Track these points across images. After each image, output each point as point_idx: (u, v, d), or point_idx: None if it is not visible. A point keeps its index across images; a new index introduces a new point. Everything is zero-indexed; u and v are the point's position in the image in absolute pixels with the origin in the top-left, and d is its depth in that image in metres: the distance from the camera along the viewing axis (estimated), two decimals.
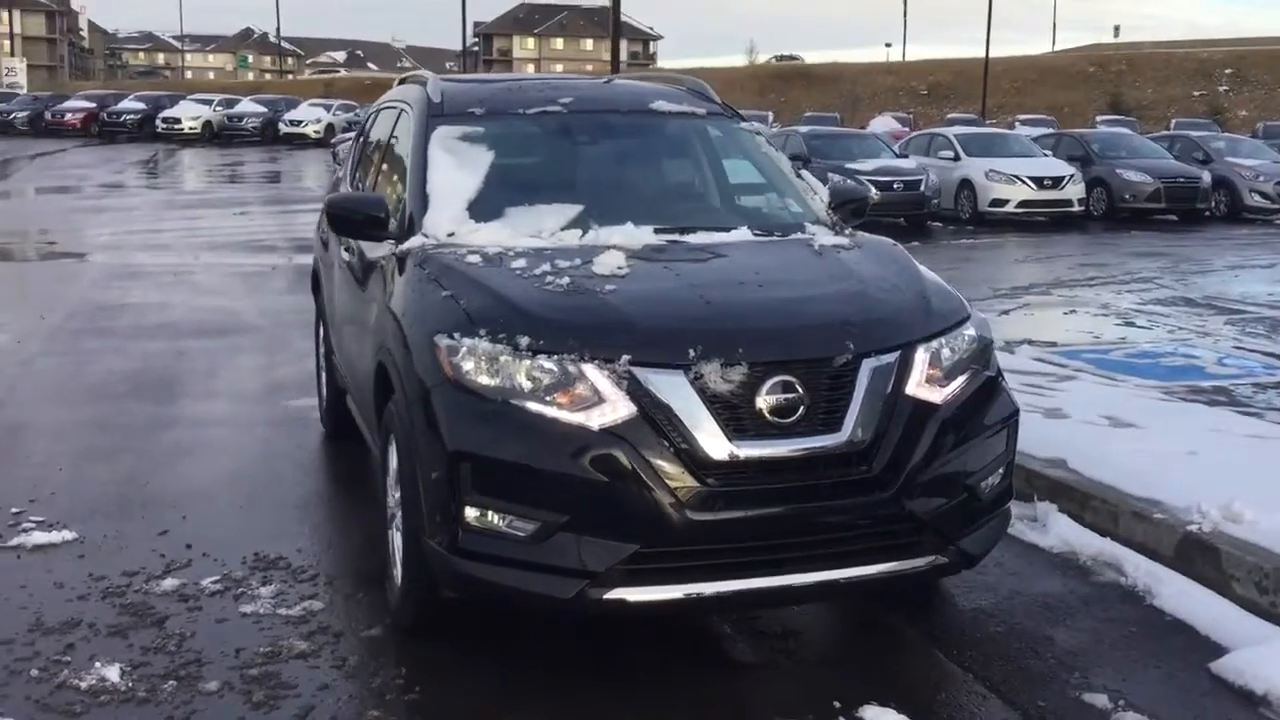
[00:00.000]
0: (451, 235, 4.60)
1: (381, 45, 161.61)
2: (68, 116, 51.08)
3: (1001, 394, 4.24)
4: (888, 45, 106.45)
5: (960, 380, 4.06)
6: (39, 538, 5.19)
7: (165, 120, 49.12)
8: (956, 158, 21.81)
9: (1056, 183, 20.99)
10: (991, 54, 50.61)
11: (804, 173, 5.50)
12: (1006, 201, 20.78)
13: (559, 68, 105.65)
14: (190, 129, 48.89)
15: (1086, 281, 13.91)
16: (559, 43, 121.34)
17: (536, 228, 4.63)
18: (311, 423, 7.17)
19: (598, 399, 3.68)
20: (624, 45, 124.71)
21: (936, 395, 3.96)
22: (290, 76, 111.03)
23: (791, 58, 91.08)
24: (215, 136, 48.71)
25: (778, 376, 3.73)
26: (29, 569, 4.89)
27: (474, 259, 4.28)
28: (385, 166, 5.69)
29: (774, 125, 42.84)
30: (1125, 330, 10.55)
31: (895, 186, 19.91)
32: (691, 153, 5.49)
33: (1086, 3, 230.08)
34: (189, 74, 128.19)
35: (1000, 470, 4.20)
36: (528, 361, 3.74)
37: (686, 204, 5.11)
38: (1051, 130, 31.27)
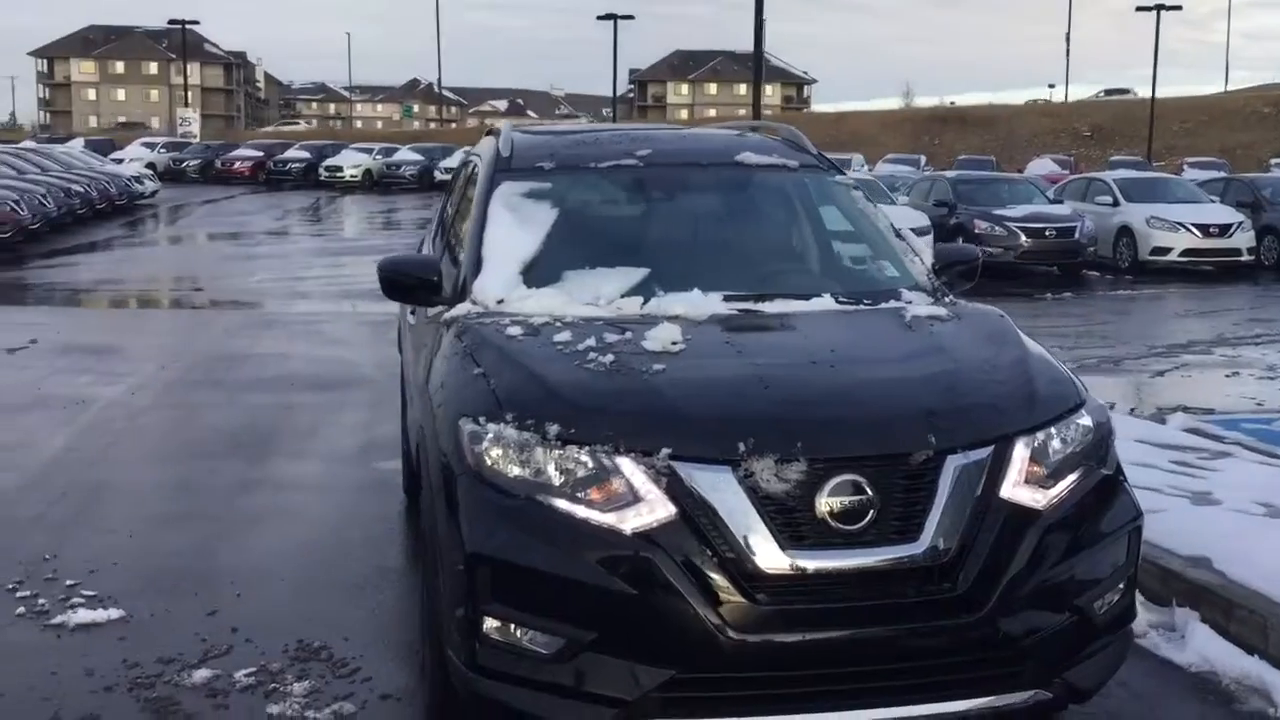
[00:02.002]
0: (501, 302, 4.19)
1: (541, 94, 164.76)
2: (236, 164, 52.94)
3: (1121, 495, 3.61)
4: (1050, 86, 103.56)
5: (1069, 480, 3.46)
6: (84, 616, 4.93)
7: (328, 168, 50.47)
8: (1115, 203, 20.72)
9: (1224, 230, 19.74)
10: (1159, 94, 48.65)
11: (905, 231, 4.93)
12: (1169, 250, 19.61)
13: (712, 113, 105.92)
14: (351, 176, 50.11)
15: (1253, 339, 12.87)
16: (713, 88, 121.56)
17: (595, 294, 4.19)
18: (396, 487, 6.85)
19: (633, 498, 3.20)
20: (777, 89, 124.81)
21: (1039, 498, 3.37)
22: (453, 125, 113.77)
23: (950, 107, 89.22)
24: (375, 184, 49.86)
25: (843, 476, 3.20)
26: (65, 652, 4.62)
27: (515, 331, 3.85)
28: (454, 225, 5.33)
29: (926, 169, 41.87)
30: None
31: (1048, 234, 18.98)
32: (777, 210, 4.99)
33: (1262, 41, 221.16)
34: (359, 123, 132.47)
35: (1119, 587, 3.57)
36: (558, 452, 3.29)
37: (765, 267, 4.58)
38: (1220, 175, 29.61)
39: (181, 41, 61.14)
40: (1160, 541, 5.25)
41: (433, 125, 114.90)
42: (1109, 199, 20.96)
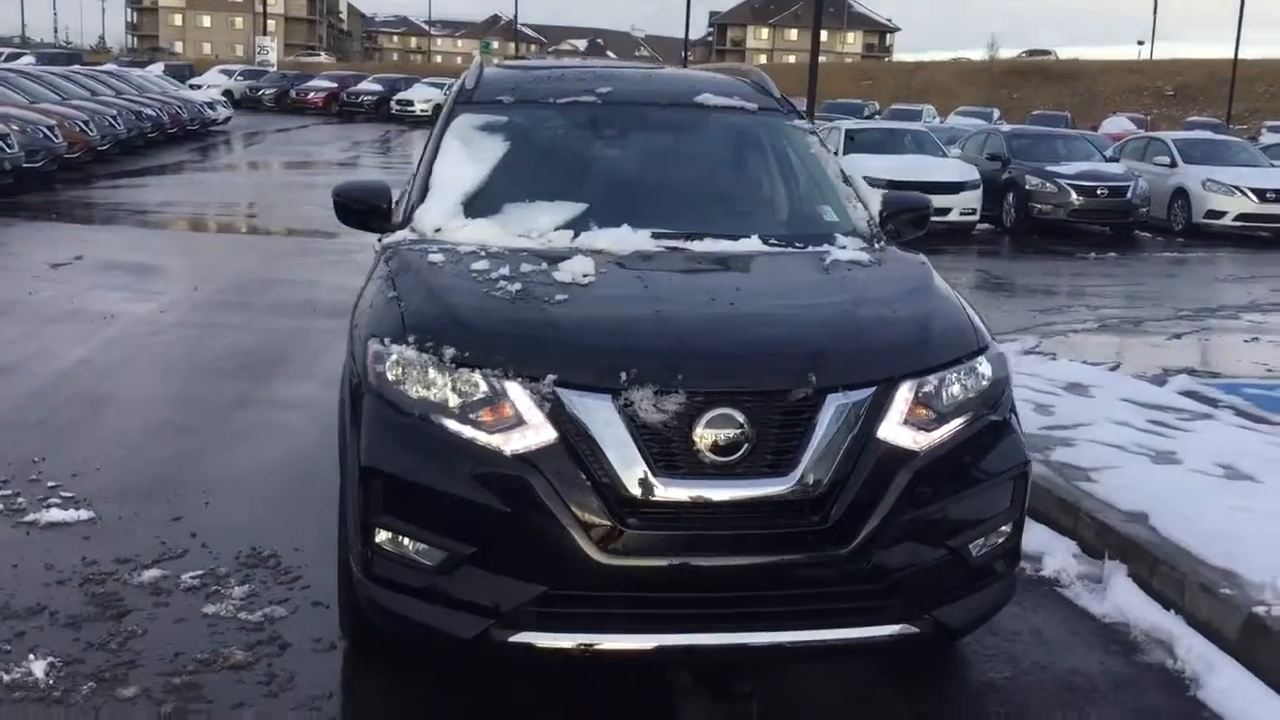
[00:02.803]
0: (439, 231, 4.34)
1: (622, 34, 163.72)
2: (310, 95, 53.41)
3: (1008, 442, 3.67)
4: (1140, 43, 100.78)
5: (955, 424, 3.53)
6: (55, 515, 5.19)
7: (399, 102, 50.75)
8: (1173, 164, 20.29)
9: None
10: (1248, 55, 47.30)
11: (855, 178, 4.97)
12: (1224, 214, 19.20)
13: (791, 59, 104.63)
14: (421, 111, 50.29)
15: None
16: (793, 34, 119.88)
17: (529, 226, 4.31)
18: None
19: (518, 421, 3.34)
20: (859, 37, 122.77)
21: (918, 440, 3.45)
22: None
23: (1043, 53, 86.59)
24: None
25: (720, 409, 3.30)
26: (30, 547, 4.88)
27: (436, 258, 4.00)
28: (423, 156, 5.47)
29: (999, 122, 41.14)
30: None
31: (1099, 192, 18.68)
32: (727, 151, 5.05)
33: None
34: (438, 58, 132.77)
35: (1001, 530, 3.65)
36: (452, 375, 3.43)
37: (702, 207, 4.65)
38: None
39: None
40: (1105, 496, 5.30)
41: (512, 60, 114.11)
42: (1166, 159, 20.52)
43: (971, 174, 18.62)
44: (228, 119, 39.83)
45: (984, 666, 4.14)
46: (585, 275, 3.79)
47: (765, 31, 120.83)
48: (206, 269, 12.90)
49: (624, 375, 3.30)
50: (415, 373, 3.47)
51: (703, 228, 4.37)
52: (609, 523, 3.27)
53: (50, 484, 5.58)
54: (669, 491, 3.28)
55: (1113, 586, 4.65)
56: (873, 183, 18.10)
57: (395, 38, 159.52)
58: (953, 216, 18.26)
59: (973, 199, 18.37)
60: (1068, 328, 10.88)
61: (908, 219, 4.83)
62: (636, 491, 3.28)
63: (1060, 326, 10.92)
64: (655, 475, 3.28)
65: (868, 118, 38.91)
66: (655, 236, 4.23)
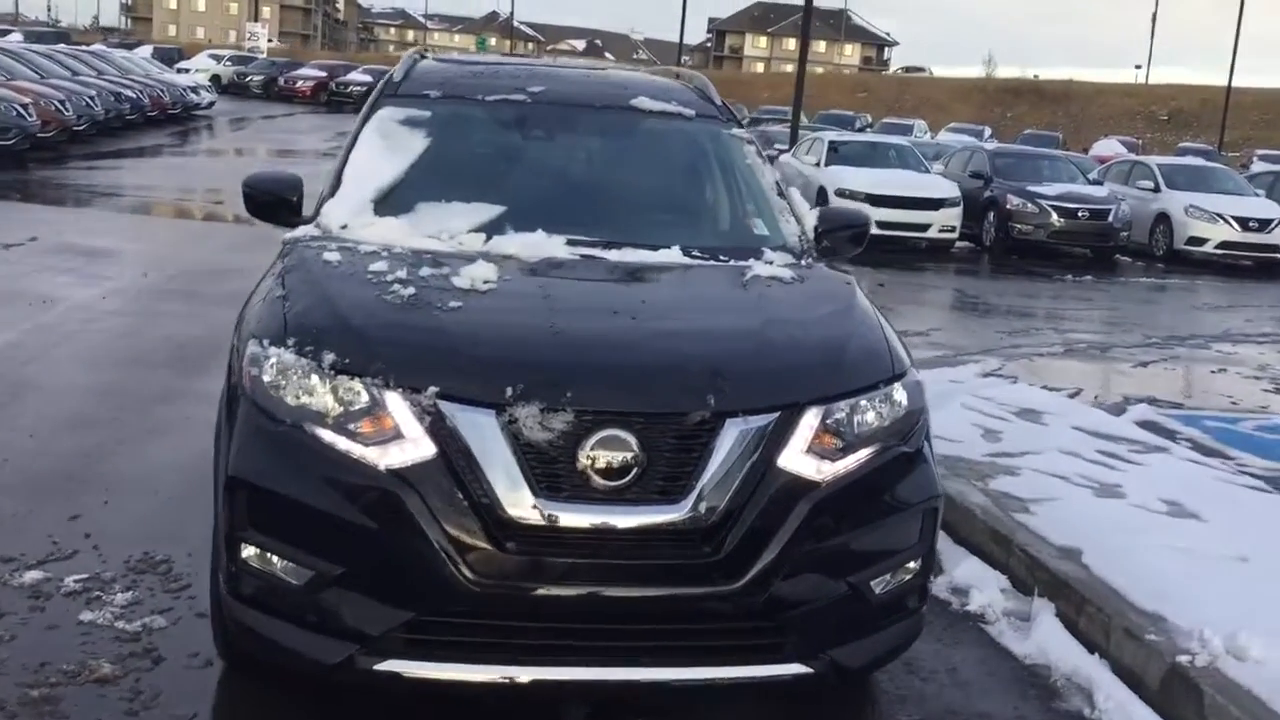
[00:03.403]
0: (345, 228, 4.12)
1: (621, 36, 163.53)
2: (298, 84, 53.03)
3: (919, 475, 3.47)
4: (1137, 67, 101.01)
5: (863, 454, 3.33)
6: None
7: None
8: (1156, 189, 20.15)
9: (1264, 225, 19.15)
10: (1243, 83, 47.31)
11: (791, 191, 4.76)
12: (1205, 241, 19.06)
13: (789, 68, 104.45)
14: None
15: (1259, 337, 12.50)
16: (791, 43, 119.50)
17: (440, 227, 4.10)
18: None
19: (396, 434, 3.13)
20: (857, 49, 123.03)
21: (821, 470, 3.24)
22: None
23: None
24: None
25: (609, 430, 3.09)
26: None
27: (332, 256, 3.78)
28: None
29: (989, 140, 41.12)
30: (1276, 398, 9.31)
31: (1080, 214, 18.54)
32: (657, 158, 4.84)
33: None
34: (435, 52, 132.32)
35: (908, 567, 3.45)
36: (331, 381, 3.21)
37: (624, 215, 4.43)
38: (1273, 169, 28.74)
39: None
40: (1040, 529, 5.11)
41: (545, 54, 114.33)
42: (1150, 184, 20.38)
43: (952, 191, 18.47)
44: (211, 104, 39.50)
45: (892, 710, 3.93)
46: (485, 282, 3.58)
47: (764, 40, 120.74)
48: (160, 255, 12.62)
49: (509, 390, 3.10)
50: (294, 378, 3.26)
51: (622, 236, 4.16)
52: (485, 546, 3.06)
53: None
54: (550, 514, 3.07)
55: (1038, 626, 4.46)
56: (851, 196, 18.09)
57: (392, 30, 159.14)
58: (931, 233, 18.14)
59: (952, 216, 18.22)
60: (1033, 350, 10.70)
61: (845, 235, 4.63)
62: (516, 513, 3.07)
63: (1026, 349, 10.75)
64: (537, 497, 3.07)
65: (859, 130, 38.80)
66: (571, 243, 4.02)
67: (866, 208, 17.69)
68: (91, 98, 26.38)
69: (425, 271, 3.64)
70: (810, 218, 4.60)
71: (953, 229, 18.25)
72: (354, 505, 3.11)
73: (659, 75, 5.58)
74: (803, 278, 4.04)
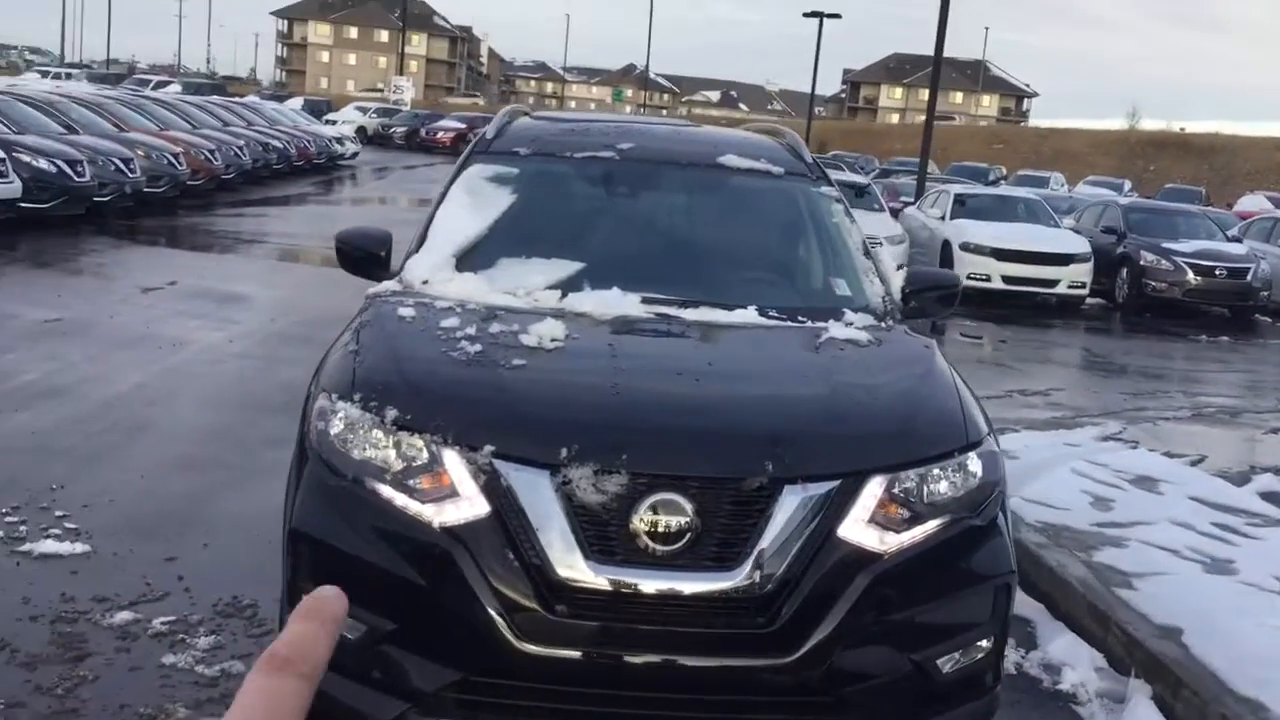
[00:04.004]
0: (426, 283, 4.18)
1: (755, 87, 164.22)
2: (439, 134, 54.34)
3: (990, 548, 3.35)
4: None
5: (931, 526, 3.23)
6: (50, 547, 5.14)
7: None
8: None
9: None
10: None
11: (879, 251, 4.68)
12: None
13: (923, 119, 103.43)
14: None
15: None
16: (926, 94, 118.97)
17: (518, 284, 4.13)
18: None
19: (452, 492, 3.14)
20: (995, 100, 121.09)
21: (885, 540, 3.16)
22: (664, 112, 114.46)
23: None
24: None
25: (664, 494, 3.06)
26: (14, 579, 4.83)
27: (406, 312, 3.83)
28: None
29: (1129, 194, 40.11)
30: None
31: (1218, 273, 17.86)
32: (743, 215, 4.81)
33: None
34: (573, 104, 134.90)
35: (979, 645, 3.33)
36: (392, 437, 3.25)
37: (705, 273, 4.42)
38: None
39: (402, 10, 63.18)
40: (1141, 606, 4.89)
41: (644, 110, 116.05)
42: None
43: (1083, 246, 18.00)
44: (355, 154, 40.68)
45: None
46: (553, 340, 3.59)
47: (899, 91, 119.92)
48: (291, 301, 13.00)
49: (564, 451, 3.09)
50: (360, 432, 3.30)
51: (700, 295, 4.14)
52: (534, 607, 3.05)
53: (59, 513, 5.55)
54: (601, 578, 3.05)
55: (1132, 709, 4.26)
56: (977, 249, 17.77)
57: (532, 82, 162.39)
58: (1060, 289, 17.71)
59: (1083, 272, 17.75)
60: (1158, 414, 10.32)
61: (934, 296, 4.54)
62: (567, 575, 3.05)
63: (1150, 412, 10.37)
64: (588, 560, 3.05)
65: (992, 182, 38.21)
66: (646, 301, 4.01)
67: (992, 262, 17.48)
68: (240, 147, 27.42)
69: (495, 328, 3.67)
70: (897, 278, 4.52)
71: (1083, 285, 17.77)
72: (407, 561, 3.13)
73: (755, 132, 5.56)
74: (880, 340, 3.96)
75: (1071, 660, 4.67)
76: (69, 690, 3.97)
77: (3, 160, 15.58)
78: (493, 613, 3.04)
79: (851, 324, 4.06)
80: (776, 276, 4.62)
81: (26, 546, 5.14)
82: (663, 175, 4.81)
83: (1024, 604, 5.36)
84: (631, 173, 4.76)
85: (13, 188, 15.59)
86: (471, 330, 3.63)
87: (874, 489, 3.18)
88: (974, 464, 3.39)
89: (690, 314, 3.98)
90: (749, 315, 4.02)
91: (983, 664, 3.35)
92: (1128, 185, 44.12)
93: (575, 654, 3.05)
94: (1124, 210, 20.06)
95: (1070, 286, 17.69)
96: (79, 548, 5.17)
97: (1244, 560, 5.57)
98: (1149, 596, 4.99)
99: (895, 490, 3.22)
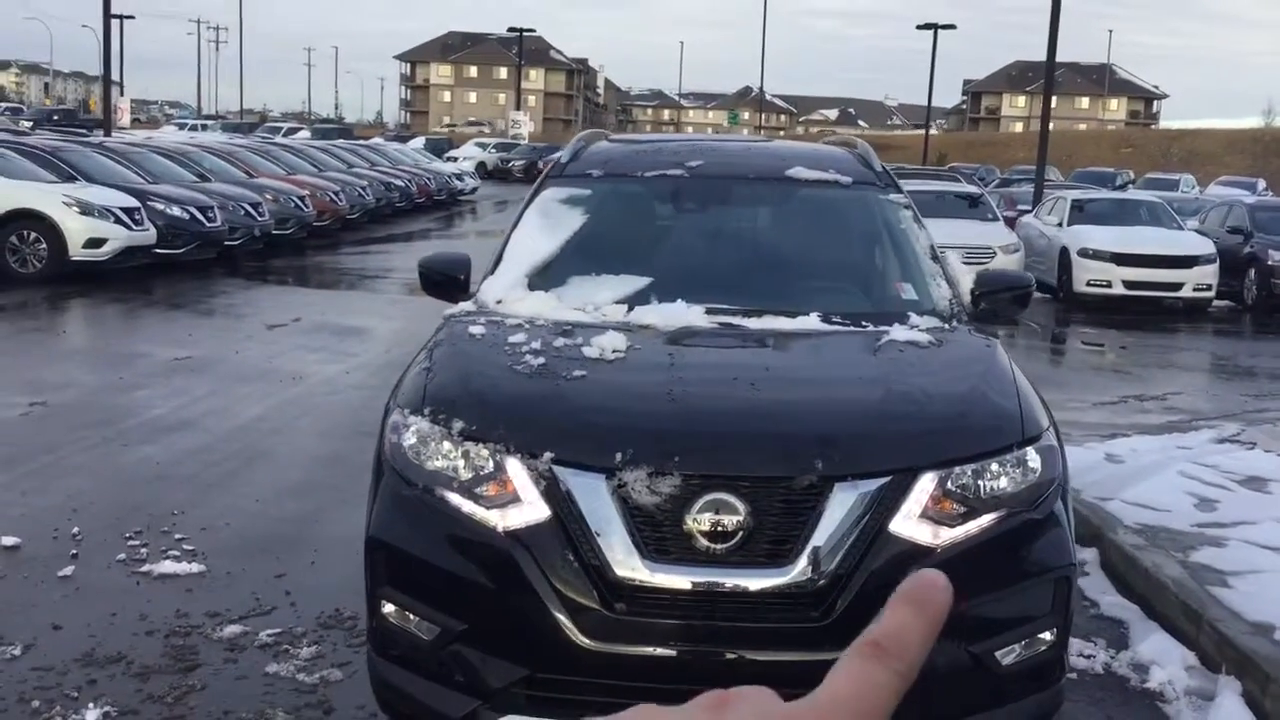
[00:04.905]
0: (500, 302, 4.36)
1: (874, 103, 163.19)
2: None
3: (1048, 542, 3.38)
4: None
5: (985, 520, 3.28)
6: (168, 567, 5.45)
7: None
8: None
9: None
10: None
11: (947, 256, 4.71)
12: None
13: (1052, 126, 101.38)
14: None
15: None
16: (1053, 101, 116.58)
17: (588, 299, 4.28)
18: None
19: (515, 498, 3.30)
20: (1123, 103, 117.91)
21: (938, 534, 3.21)
22: (781, 133, 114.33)
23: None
24: None
25: (716, 494, 3.17)
26: (133, 597, 5.13)
27: (477, 330, 4.01)
28: None
29: (1264, 194, 38.81)
30: None
31: None
32: (810, 225, 4.89)
33: None
34: (690, 129, 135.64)
35: (1040, 637, 3.35)
36: (459, 448, 3.42)
37: (770, 282, 4.51)
38: None
39: (518, 47, 64.44)
40: (1235, 604, 4.82)
41: (761, 131, 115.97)
42: None
43: (1206, 247, 17.53)
44: (474, 189, 41.58)
45: None
46: (614, 351, 3.72)
47: (1022, 99, 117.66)
48: (407, 332, 13.35)
49: (619, 455, 3.22)
50: (431, 444, 3.48)
51: (764, 304, 4.24)
52: (595, 606, 3.18)
53: (178, 536, 5.86)
54: (658, 577, 3.17)
55: (1219, 706, 4.20)
56: (1096, 255, 17.44)
57: (649, 110, 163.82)
58: (1185, 292, 17.27)
59: (1208, 274, 17.28)
60: (1279, 415, 10.02)
61: (1006, 297, 4.55)
62: (624, 575, 3.18)
63: (1272, 413, 10.07)
64: (645, 559, 3.17)
65: (1119, 187, 37.32)
66: (710, 312, 4.12)
67: (1112, 268, 17.12)
68: (363, 188, 28.30)
69: (559, 342, 3.82)
70: (966, 280, 4.55)
71: (1208, 287, 17.30)
72: (475, 565, 3.29)
73: (830, 144, 5.64)
74: (942, 341, 4.00)
75: (1161, 659, 4.62)
76: (178, 698, 4.22)
77: (139, 209, 16.39)
78: (556, 612, 3.17)
79: (916, 326, 4.10)
80: (842, 283, 4.69)
81: (146, 567, 5.45)
82: (731, 189, 4.93)
83: (1118, 605, 5.31)
84: (700, 188, 4.89)
85: (148, 234, 16.38)
86: (537, 345, 3.79)
87: (926, 485, 3.24)
88: (1032, 458, 3.42)
89: (753, 323, 4.08)
90: (811, 322, 4.10)
91: (1046, 656, 3.37)
92: (1262, 184, 42.64)
93: (635, 650, 3.17)
94: (1250, 209, 19.46)
95: (1195, 289, 17.24)
96: (195, 568, 5.46)
97: None
98: (1245, 594, 4.90)
99: (950, 486, 3.27)
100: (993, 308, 4.51)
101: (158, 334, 12.66)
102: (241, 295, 15.79)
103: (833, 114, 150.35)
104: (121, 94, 60.33)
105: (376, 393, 9.67)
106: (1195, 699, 4.35)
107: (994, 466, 3.35)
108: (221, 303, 14.94)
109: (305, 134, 50.68)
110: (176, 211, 17.43)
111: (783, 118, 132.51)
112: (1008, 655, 3.29)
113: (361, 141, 43.12)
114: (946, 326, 4.21)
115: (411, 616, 3.41)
